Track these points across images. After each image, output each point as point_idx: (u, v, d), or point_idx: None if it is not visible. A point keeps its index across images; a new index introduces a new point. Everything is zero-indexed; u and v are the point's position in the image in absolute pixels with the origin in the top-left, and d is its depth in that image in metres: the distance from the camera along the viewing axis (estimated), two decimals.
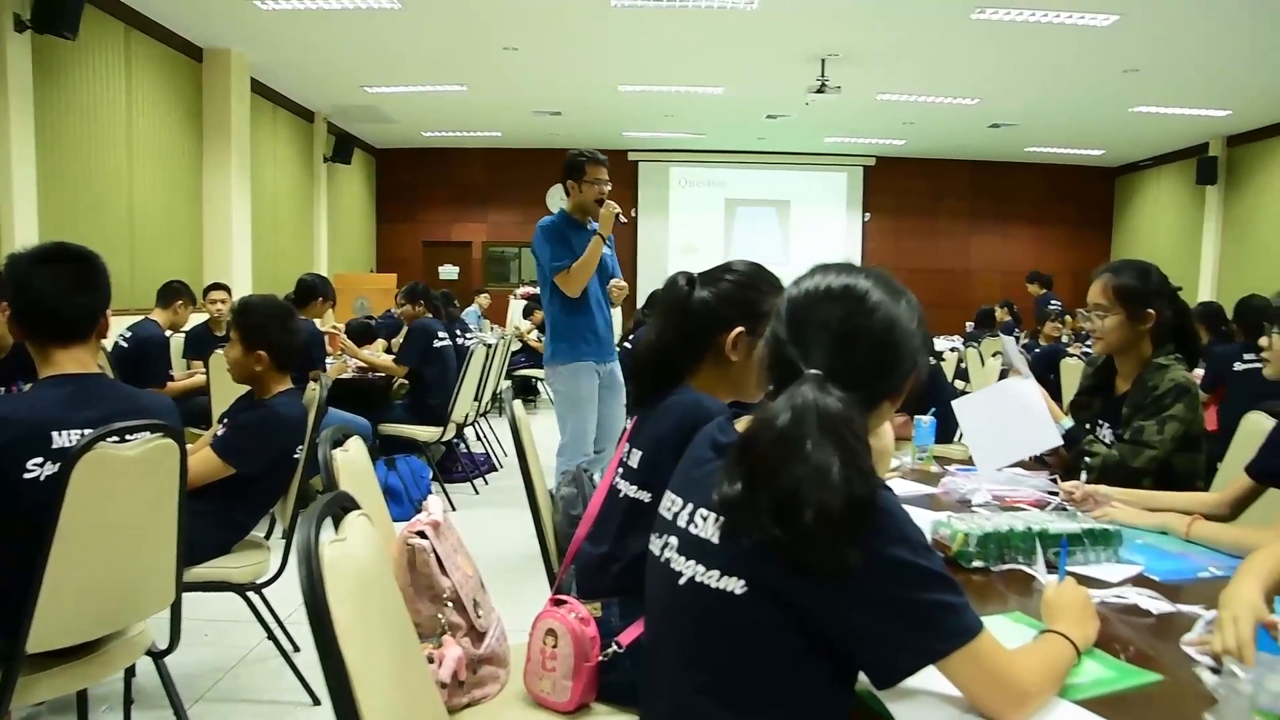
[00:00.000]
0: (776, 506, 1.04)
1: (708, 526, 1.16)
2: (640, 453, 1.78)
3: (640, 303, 8.03)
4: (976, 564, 1.70)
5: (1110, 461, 2.41)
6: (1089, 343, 2.67)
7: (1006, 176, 14.89)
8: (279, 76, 10.15)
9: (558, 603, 1.69)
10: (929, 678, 1.10)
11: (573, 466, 2.31)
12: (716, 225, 15.09)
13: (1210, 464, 2.54)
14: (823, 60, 9.04)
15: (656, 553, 1.25)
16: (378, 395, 5.87)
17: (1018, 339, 8.91)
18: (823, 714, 1.13)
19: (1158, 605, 1.51)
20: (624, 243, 13.35)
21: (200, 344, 5.84)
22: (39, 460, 1.95)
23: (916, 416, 2.86)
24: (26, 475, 1.93)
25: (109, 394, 2.15)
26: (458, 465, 6.22)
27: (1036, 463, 2.65)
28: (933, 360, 4.39)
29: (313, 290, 5.64)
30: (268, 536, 3.03)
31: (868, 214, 15.10)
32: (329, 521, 1.18)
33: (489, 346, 6.32)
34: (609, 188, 4.12)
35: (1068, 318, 8.81)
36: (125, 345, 5.26)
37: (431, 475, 5.52)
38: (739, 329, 1.75)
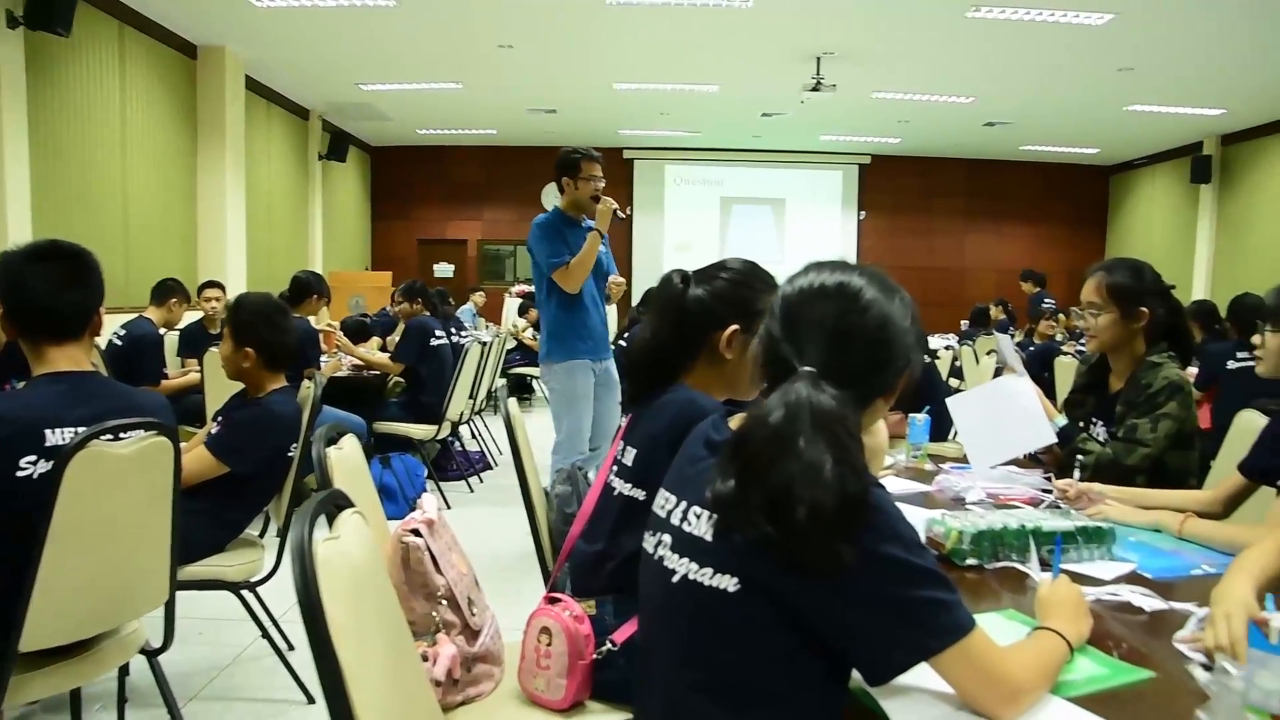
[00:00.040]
0: (769, 504, 1.04)
1: (701, 524, 1.16)
2: (635, 451, 1.78)
3: (636, 301, 8.03)
4: (970, 562, 1.70)
5: (1104, 459, 2.41)
6: (1083, 341, 2.68)
7: (1001, 175, 14.91)
8: (274, 74, 10.13)
9: (552, 601, 1.70)
10: (922, 675, 1.10)
11: (568, 464, 2.31)
12: (712, 223, 15.09)
13: (1203, 462, 2.55)
14: (818, 58, 9.04)
15: (650, 550, 1.25)
16: (373, 393, 5.87)
17: (1012, 337, 8.92)
18: (816, 711, 1.13)
19: (1151, 603, 1.51)
20: (619, 241, 13.34)
21: (195, 342, 5.82)
22: (32, 458, 1.94)
23: (911, 414, 2.87)
24: (20, 473, 1.93)
25: (103, 392, 2.14)
26: (453, 463, 6.22)
27: (1031, 461, 2.65)
28: (927, 358, 4.39)
29: (307, 288, 5.63)
30: (262, 535, 3.03)
31: (863, 212, 15.11)
32: (323, 519, 1.17)
33: (484, 344, 6.31)
34: (603, 184, 4.12)
35: (1061, 316, 8.83)
36: (119, 343, 5.24)
37: (426, 473, 5.51)
38: (734, 327, 1.75)
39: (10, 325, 2.10)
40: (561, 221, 4.10)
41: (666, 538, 1.22)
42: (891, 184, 14.90)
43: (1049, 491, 2.22)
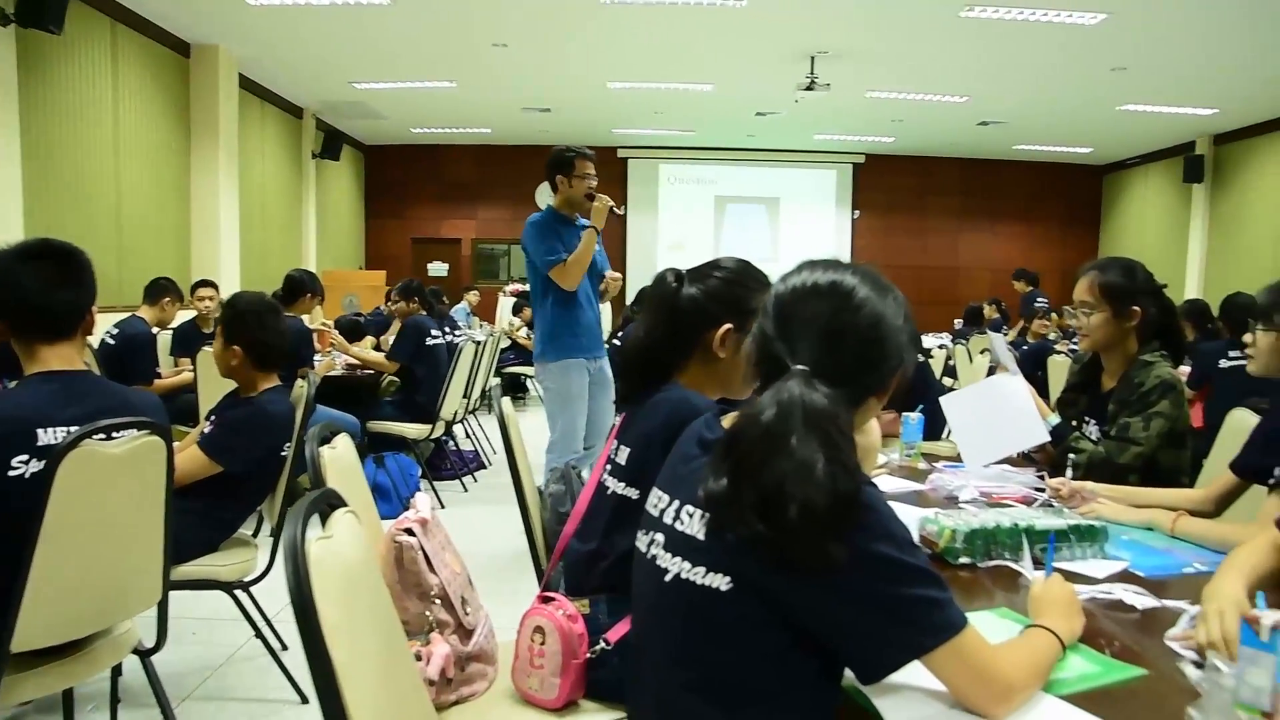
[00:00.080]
0: (761, 502, 1.04)
1: (694, 523, 1.16)
2: (628, 450, 1.78)
3: (630, 300, 8.03)
4: (963, 560, 1.71)
5: (1096, 458, 2.42)
6: (1076, 340, 2.69)
7: (995, 174, 14.93)
8: (267, 72, 10.10)
9: (546, 600, 1.69)
10: (915, 673, 1.10)
11: (562, 463, 2.31)
12: (706, 222, 15.09)
13: (1196, 460, 2.56)
14: (812, 58, 9.05)
15: (643, 549, 1.25)
16: (367, 393, 5.86)
17: (1005, 336, 8.94)
18: (809, 710, 1.14)
19: (1143, 601, 1.52)
20: (613, 240, 13.34)
21: (188, 341, 5.80)
22: (24, 457, 1.94)
23: (904, 413, 2.87)
24: (11, 473, 1.92)
25: (95, 391, 2.14)
26: (447, 463, 6.21)
27: (1024, 459, 2.66)
28: (920, 357, 4.40)
29: (301, 286, 5.61)
30: (256, 534, 3.02)
31: (857, 211, 15.12)
32: (316, 519, 1.17)
33: (478, 344, 6.31)
34: (596, 182, 4.12)
35: (1054, 315, 8.85)
36: (112, 342, 5.23)
37: (420, 473, 5.51)
38: (727, 326, 1.75)
39: (2, 324, 2.10)
40: (556, 220, 4.10)
41: (659, 537, 1.22)
42: (885, 183, 14.92)
43: (1042, 490, 2.22)
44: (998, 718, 1.10)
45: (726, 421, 1.25)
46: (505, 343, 9.19)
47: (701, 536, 1.14)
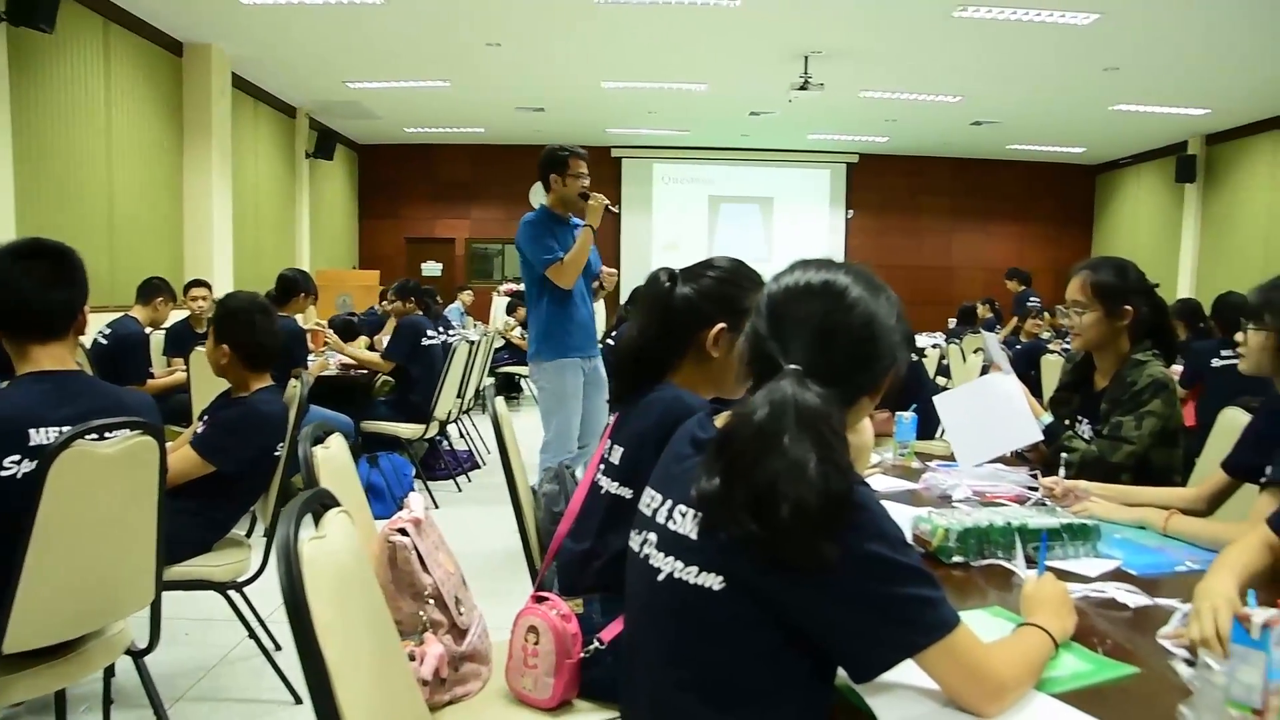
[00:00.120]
0: (753, 501, 1.04)
1: (686, 523, 1.16)
2: (622, 449, 1.78)
3: (624, 299, 8.03)
4: (957, 559, 1.71)
5: (1089, 457, 2.42)
6: (1069, 339, 2.70)
7: (988, 174, 14.96)
8: (260, 72, 10.07)
9: (539, 599, 1.69)
10: (908, 672, 1.10)
11: (555, 463, 2.32)
12: (700, 222, 15.09)
13: (1188, 459, 2.57)
14: (806, 57, 9.06)
15: (636, 549, 1.25)
16: (360, 393, 5.85)
17: (998, 335, 8.96)
18: (802, 709, 1.14)
19: (1135, 599, 1.52)
20: (608, 239, 13.35)
21: (181, 341, 5.79)
22: (16, 458, 1.93)
23: (898, 413, 2.88)
24: (3, 473, 1.92)
25: (87, 391, 2.14)
26: (441, 463, 6.21)
27: (1017, 458, 2.66)
28: (914, 356, 4.41)
29: (294, 285, 5.59)
30: (249, 535, 3.01)
31: (851, 211, 15.13)
32: (309, 519, 1.17)
33: (472, 343, 6.30)
34: (588, 181, 4.12)
35: (1046, 314, 8.87)
36: (105, 342, 5.22)
37: (414, 473, 5.51)
38: (720, 325, 1.75)
39: None
40: (550, 219, 4.10)
41: (652, 536, 1.22)
42: (879, 183, 14.93)
43: (1035, 489, 2.23)
44: (990, 716, 1.10)
45: (719, 421, 1.25)
46: (499, 342, 9.18)
47: (694, 536, 1.14)
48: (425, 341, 5.78)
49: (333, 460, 1.83)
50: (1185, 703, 1.09)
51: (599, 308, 4.55)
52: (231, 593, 2.80)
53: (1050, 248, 14.87)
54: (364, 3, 7.65)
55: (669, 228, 14.94)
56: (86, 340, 5.08)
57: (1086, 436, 2.55)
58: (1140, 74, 9.24)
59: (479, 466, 6.59)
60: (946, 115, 11.61)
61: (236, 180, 9.62)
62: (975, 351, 6.59)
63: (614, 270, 4.31)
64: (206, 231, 9.00)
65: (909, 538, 1.17)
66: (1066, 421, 2.65)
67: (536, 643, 1.64)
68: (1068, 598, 1.39)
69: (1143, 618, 1.46)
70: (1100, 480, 2.24)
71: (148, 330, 5.57)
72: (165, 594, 2.30)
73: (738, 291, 1.76)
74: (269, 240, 11.08)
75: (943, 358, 7.76)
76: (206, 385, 3.75)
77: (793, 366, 1.12)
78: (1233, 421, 2.41)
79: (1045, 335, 8.34)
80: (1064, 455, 2.38)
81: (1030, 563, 1.63)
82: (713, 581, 1.11)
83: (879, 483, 2.46)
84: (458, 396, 6.07)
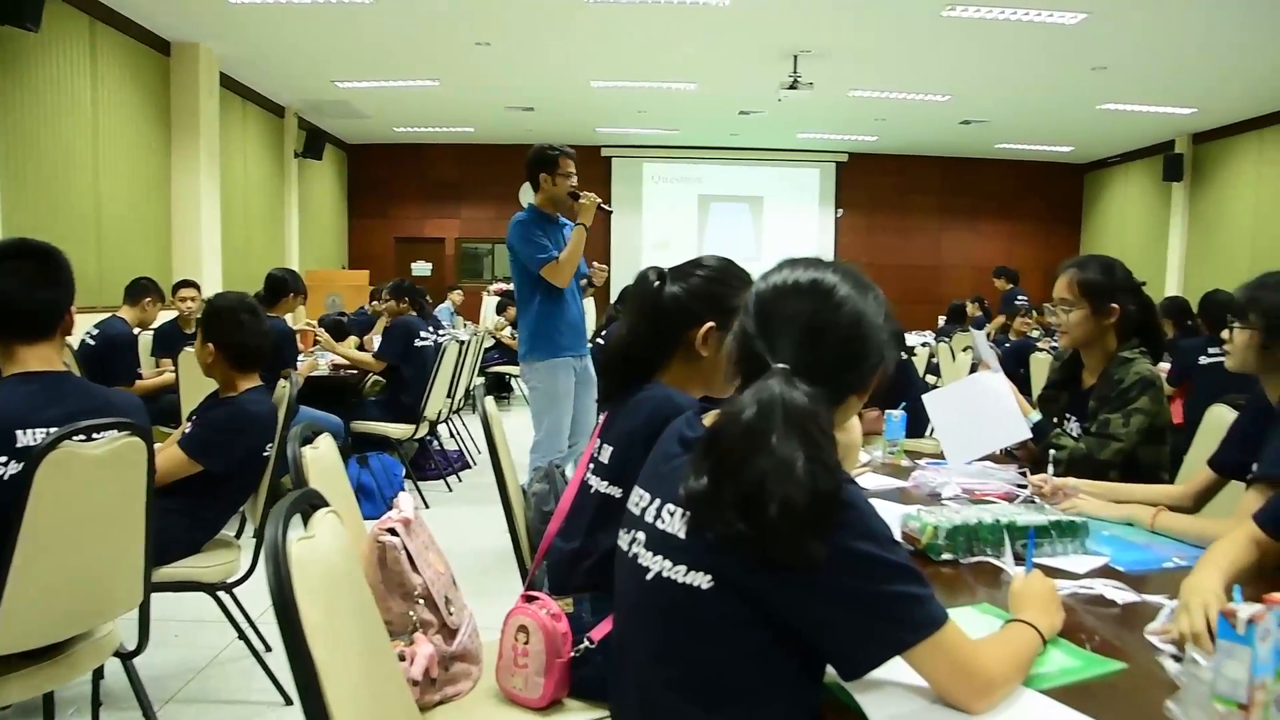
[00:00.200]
0: (741, 500, 1.04)
1: (675, 522, 1.16)
2: (611, 448, 1.78)
3: (614, 298, 8.02)
4: (946, 556, 1.72)
5: (1077, 454, 2.44)
6: (1057, 337, 2.71)
7: (977, 173, 15.01)
8: (249, 71, 10.04)
9: (529, 599, 1.69)
10: (897, 669, 1.11)
11: (545, 463, 2.32)
12: (690, 221, 15.10)
13: (1175, 456, 2.58)
14: (795, 57, 9.07)
15: (625, 548, 1.25)
16: (350, 393, 5.83)
17: (988, 334, 8.99)
18: (791, 707, 1.14)
19: (1123, 595, 1.53)
20: (598, 238, 13.34)
21: (169, 341, 5.77)
22: (3, 459, 1.92)
23: (888, 411, 2.88)
24: None
25: (75, 392, 2.13)
26: (431, 463, 6.20)
27: (1006, 456, 2.67)
28: (904, 355, 4.42)
29: (283, 285, 5.56)
30: (239, 536, 3.00)
31: (840, 210, 15.17)
32: (298, 519, 1.17)
33: (461, 343, 6.29)
34: (576, 180, 4.12)
35: (1034, 312, 8.91)
36: (92, 343, 5.19)
37: (404, 473, 5.49)
38: (709, 324, 1.75)
39: None
40: (540, 218, 4.10)
41: (641, 535, 1.22)
42: (868, 182, 14.97)
43: (1024, 486, 2.24)
44: (979, 712, 1.11)
45: (708, 420, 1.25)
46: (489, 342, 9.17)
47: (682, 535, 1.14)
48: (418, 343, 5.77)
49: (322, 460, 1.82)
50: (1172, 698, 1.09)
51: (589, 306, 4.55)
52: (221, 594, 2.79)
53: (1039, 246, 14.92)
54: (353, 2, 7.63)
55: (659, 227, 14.95)
56: (74, 341, 5.05)
57: (1075, 434, 2.57)
58: (1127, 73, 9.29)
59: (469, 466, 6.58)
60: (935, 114, 11.65)
61: (225, 180, 9.58)
62: (964, 350, 6.61)
63: (604, 266, 4.32)
64: (195, 232, 8.96)
65: (898, 535, 1.17)
66: (1055, 419, 2.66)
67: (527, 642, 1.63)
68: (1055, 595, 1.39)
69: (1130, 614, 1.47)
70: (1088, 477, 2.25)
71: (136, 331, 5.55)
72: (154, 595, 2.29)
73: (726, 290, 1.77)
74: (258, 240, 11.04)
75: (932, 356, 7.79)
76: (195, 386, 3.74)
77: (781, 365, 1.12)
78: (1219, 419, 2.42)
79: (1035, 334, 8.37)
80: (1052, 453, 2.39)
81: (1019, 560, 1.64)
82: (701, 580, 1.11)
83: (868, 481, 2.47)
84: (448, 396, 6.06)
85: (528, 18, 8.06)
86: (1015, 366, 5.81)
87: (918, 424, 3.05)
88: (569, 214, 4.12)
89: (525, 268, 4.04)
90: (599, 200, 4.07)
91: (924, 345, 8.53)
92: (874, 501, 1.12)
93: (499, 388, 9.95)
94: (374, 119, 12.58)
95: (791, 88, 9.32)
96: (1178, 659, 1.24)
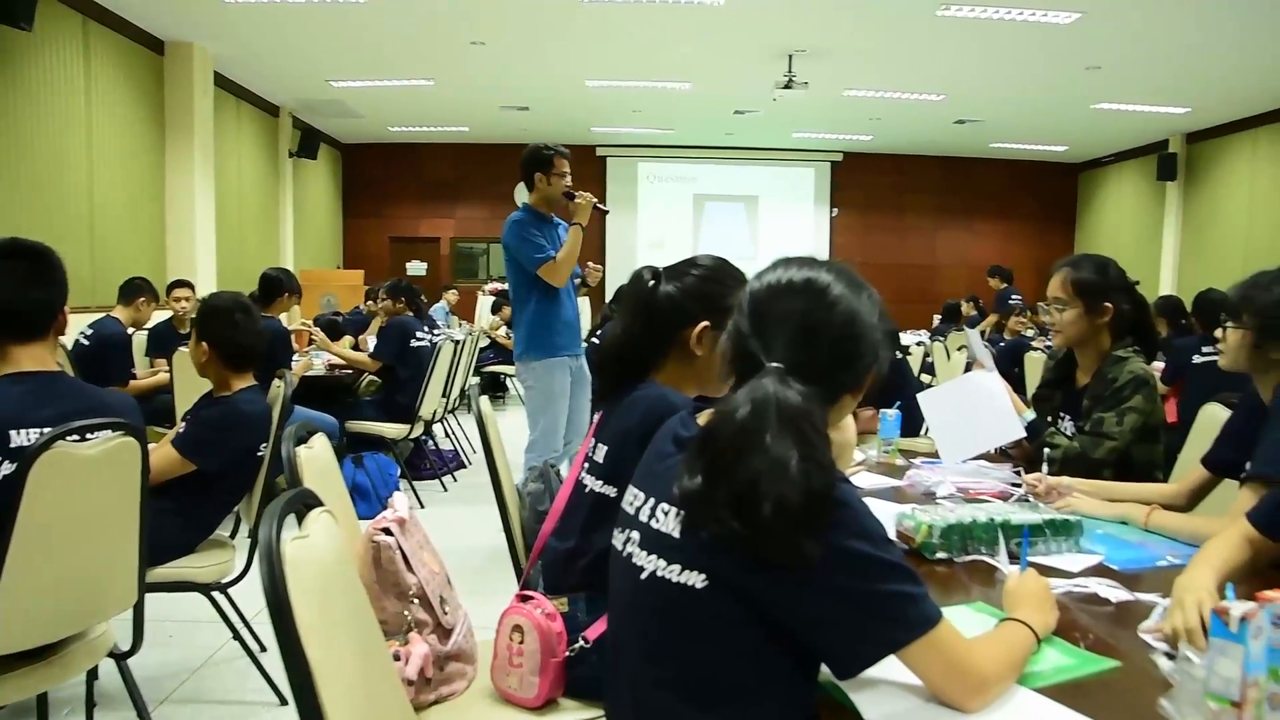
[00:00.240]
0: (735, 499, 1.04)
1: (669, 521, 1.16)
2: (605, 447, 1.78)
3: (609, 297, 8.02)
4: (940, 555, 1.72)
5: (1071, 453, 2.44)
6: (1051, 336, 2.72)
7: (972, 172, 15.02)
8: (243, 70, 10.01)
9: (524, 598, 1.69)
10: (891, 667, 1.11)
11: (540, 462, 2.32)
12: (685, 220, 15.10)
13: (1169, 455, 2.59)
14: (790, 56, 9.08)
15: (619, 547, 1.25)
16: (345, 392, 5.83)
17: (983, 333, 9.00)
18: (785, 706, 1.14)
19: (1117, 594, 1.53)
20: (593, 238, 13.30)
21: (163, 341, 5.75)
22: None
23: (882, 410, 2.89)
24: None
25: (68, 392, 2.12)
26: (426, 463, 6.19)
27: (1000, 455, 2.68)
28: (898, 354, 4.43)
29: (277, 285, 5.55)
30: (233, 536, 3.00)
31: (835, 209, 15.18)
32: (292, 519, 1.17)
33: (456, 343, 6.29)
34: (570, 180, 4.12)
35: (1028, 311, 8.93)
36: (86, 343, 5.18)
37: (400, 473, 5.49)
38: (704, 323, 1.75)
39: None
40: (535, 218, 4.09)
41: (635, 534, 1.22)
42: (863, 181, 14.98)
43: (1018, 485, 2.24)
44: (973, 711, 1.11)
45: (702, 419, 1.25)
46: (484, 342, 9.16)
47: (676, 534, 1.14)
48: (414, 343, 5.76)
49: (316, 460, 1.82)
50: (1166, 696, 1.10)
51: (583, 305, 4.56)
52: (216, 594, 2.78)
53: (1033, 245, 14.94)
54: (347, 1, 7.62)
55: (654, 226, 14.94)
56: (68, 341, 5.04)
57: (1069, 433, 2.57)
58: (1121, 73, 9.31)
59: (464, 466, 6.58)
60: (930, 114, 11.66)
61: (219, 180, 9.56)
62: (959, 349, 6.62)
63: (599, 266, 4.32)
64: (189, 231, 8.94)
65: (892, 534, 1.17)
66: (1049, 418, 2.67)
67: (522, 642, 1.64)
68: (1049, 593, 1.40)
69: (1124, 612, 1.47)
70: (1082, 476, 2.26)
71: (130, 331, 5.53)
72: (149, 596, 2.29)
73: (721, 289, 1.76)
74: (252, 240, 11.02)
75: (927, 355, 7.79)
76: (190, 386, 3.73)
77: (775, 364, 1.12)
78: (1213, 418, 2.43)
79: (1029, 333, 8.39)
80: (1046, 451, 2.39)
81: (1013, 558, 1.65)
82: (695, 580, 1.11)
83: (863, 480, 2.47)
84: (443, 396, 6.06)
85: (522, 17, 8.06)
86: (1010, 365, 5.82)
87: (912, 423, 3.06)
88: (564, 213, 4.12)
89: (521, 267, 4.04)
90: (595, 200, 4.07)
91: (919, 344, 8.54)
92: (868, 500, 1.12)
93: (494, 387, 9.95)
94: (369, 118, 12.56)
95: (786, 87, 9.33)
96: (1171, 657, 1.24)
